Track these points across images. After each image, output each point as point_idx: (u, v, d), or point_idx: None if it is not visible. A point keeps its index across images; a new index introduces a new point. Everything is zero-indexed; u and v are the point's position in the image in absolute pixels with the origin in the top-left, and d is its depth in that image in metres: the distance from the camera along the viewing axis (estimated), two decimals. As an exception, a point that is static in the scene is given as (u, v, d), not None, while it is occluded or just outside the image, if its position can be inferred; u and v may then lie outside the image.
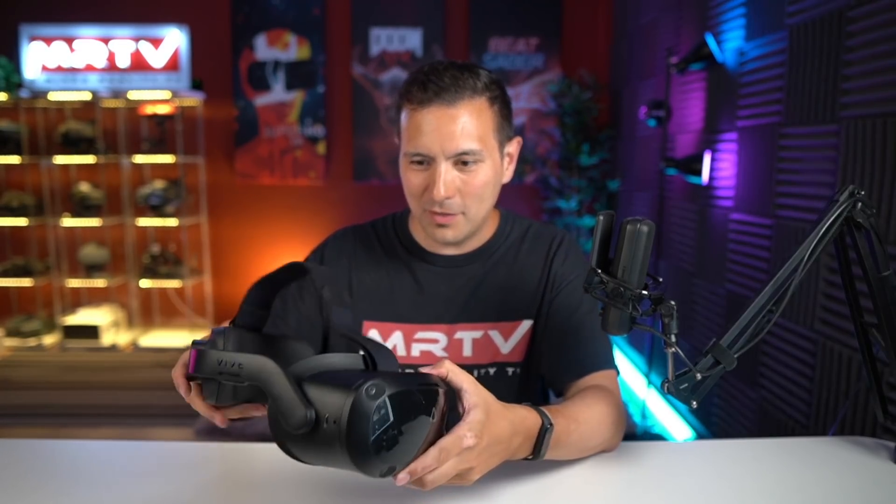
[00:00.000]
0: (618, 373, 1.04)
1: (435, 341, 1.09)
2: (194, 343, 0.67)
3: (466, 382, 0.69)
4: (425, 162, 0.97)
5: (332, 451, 0.58)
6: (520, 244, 1.13)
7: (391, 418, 0.59)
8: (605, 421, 0.90)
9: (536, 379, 1.13)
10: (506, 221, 1.14)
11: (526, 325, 1.10)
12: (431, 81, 0.95)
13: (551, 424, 0.77)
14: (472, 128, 0.95)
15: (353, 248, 1.13)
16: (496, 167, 1.01)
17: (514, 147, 1.06)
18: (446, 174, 0.96)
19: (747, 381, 2.15)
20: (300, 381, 0.61)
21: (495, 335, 1.09)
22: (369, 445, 0.58)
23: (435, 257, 1.10)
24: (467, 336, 1.08)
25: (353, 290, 1.10)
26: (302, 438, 0.60)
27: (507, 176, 1.07)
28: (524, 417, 0.75)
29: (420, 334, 1.09)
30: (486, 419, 0.68)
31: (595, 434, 0.88)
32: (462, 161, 0.96)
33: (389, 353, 0.66)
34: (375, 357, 0.64)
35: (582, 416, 0.86)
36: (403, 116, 0.99)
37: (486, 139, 0.97)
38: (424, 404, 0.62)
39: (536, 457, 0.77)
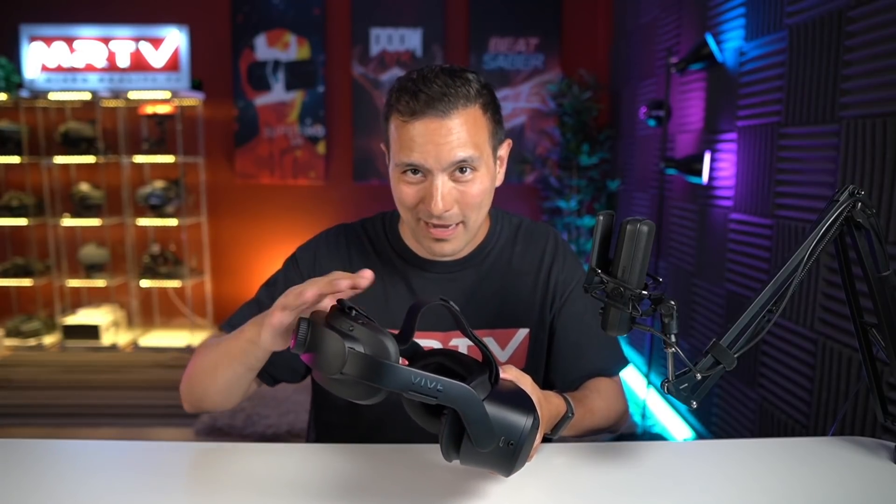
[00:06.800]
0: (627, 363, 1.13)
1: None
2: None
3: (528, 385, 0.77)
4: (420, 172, 0.94)
5: (500, 463, 0.67)
6: (512, 246, 1.12)
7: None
8: (612, 413, 1.04)
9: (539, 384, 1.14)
10: (496, 221, 1.13)
11: (522, 333, 1.09)
12: (422, 91, 0.91)
13: (573, 414, 0.89)
14: (466, 136, 0.92)
15: (347, 253, 1.11)
16: (491, 173, 0.99)
17: (504, 150, 1.04)
18: (443, 187, 0.93)
19: (747, 381, 2.15)
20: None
21: (491, 343, 1.08)
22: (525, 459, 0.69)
23: (429, 264, 1.08)
24: (462, 343, 1.07)
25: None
26: (483, 455, 0.67)
27: (499, 179, 1.05)
28: (557, 405, 0.87)
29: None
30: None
31: (602, 424, 1.02)
32: (459, 169, 0.94)
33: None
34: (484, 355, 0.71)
35: (596, 408, 0.98)
36: (393, 127, 0.95)
37: (481, 146, 0.95)
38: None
39: (550, 437, 0.88)
